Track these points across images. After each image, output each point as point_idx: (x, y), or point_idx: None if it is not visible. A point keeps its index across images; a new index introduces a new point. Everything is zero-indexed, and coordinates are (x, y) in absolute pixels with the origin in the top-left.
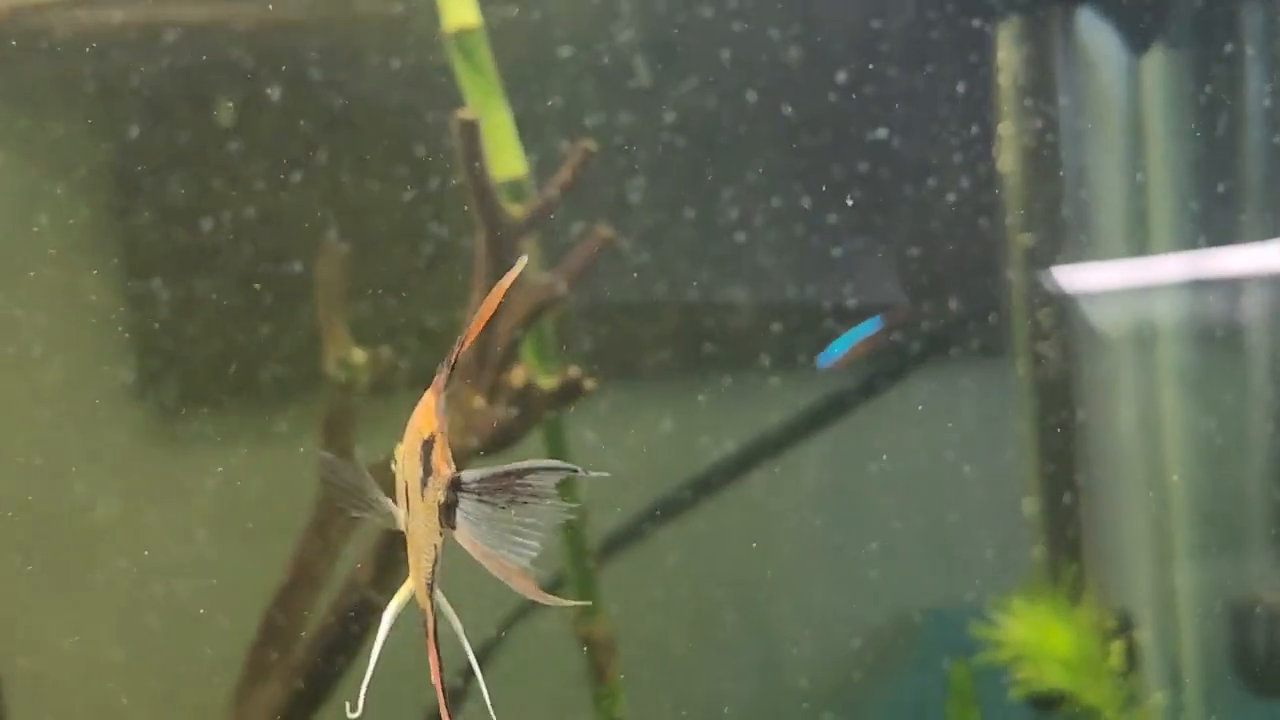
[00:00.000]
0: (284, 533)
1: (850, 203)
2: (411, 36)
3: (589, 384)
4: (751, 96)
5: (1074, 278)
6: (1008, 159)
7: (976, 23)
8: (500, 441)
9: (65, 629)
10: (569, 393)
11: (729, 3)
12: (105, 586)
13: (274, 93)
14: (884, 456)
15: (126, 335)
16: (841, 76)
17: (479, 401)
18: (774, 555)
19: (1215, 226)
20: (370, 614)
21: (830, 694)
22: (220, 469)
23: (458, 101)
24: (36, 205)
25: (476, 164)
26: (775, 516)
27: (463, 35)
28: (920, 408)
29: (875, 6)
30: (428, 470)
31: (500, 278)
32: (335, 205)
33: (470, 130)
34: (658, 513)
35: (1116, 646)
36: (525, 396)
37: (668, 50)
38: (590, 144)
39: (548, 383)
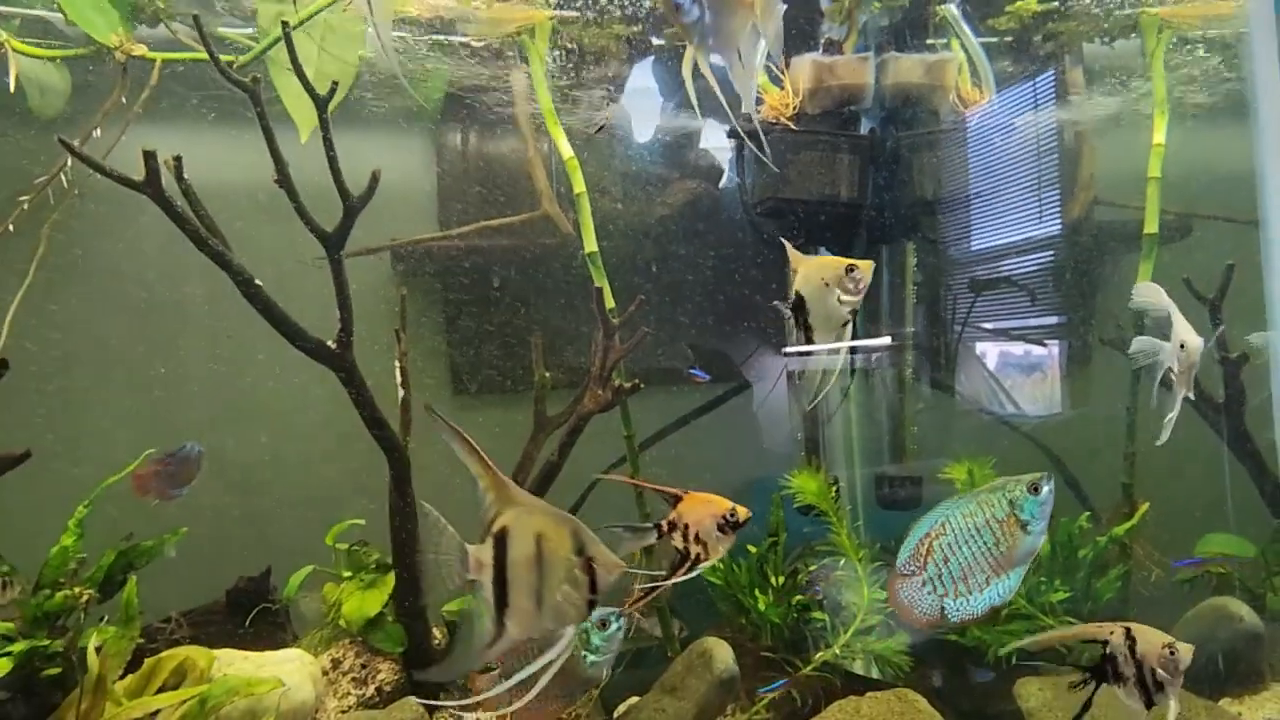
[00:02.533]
0: (519, 445)
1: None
2: (568, 249)
3: (640, 385)
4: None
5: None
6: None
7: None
8: (609, 406)
9: (426, 486)
10: (633, 388)
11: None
12: (439, 471)
13: (509, 269)
14: (737, 427)
15: (448, 360)
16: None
17: (601, 391)
18: (698, 457)
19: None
20: (553, 475)
21: None
22: (495, 424)
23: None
24: (417, 311)
25: (600, 304)
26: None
27: (592, 254)
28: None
29: (730, 236)
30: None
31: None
32: (535, 309)
33: (598, 292)
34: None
35: (831, 489)
36: (618, 389)
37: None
38: (642, 297)
39: (625, 384)
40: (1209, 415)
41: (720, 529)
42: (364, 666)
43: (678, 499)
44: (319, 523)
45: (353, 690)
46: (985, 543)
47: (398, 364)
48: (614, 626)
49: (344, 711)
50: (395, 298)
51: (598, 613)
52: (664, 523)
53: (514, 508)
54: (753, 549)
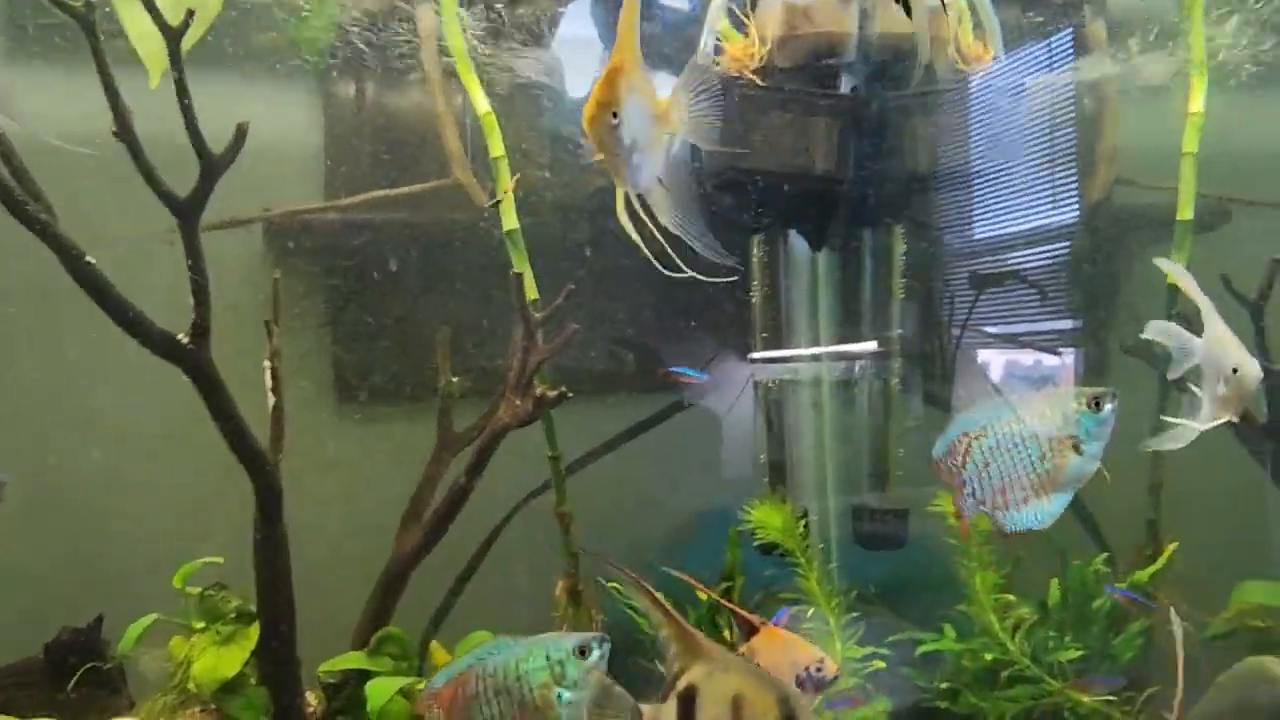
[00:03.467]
0: (418, 465)
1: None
2: (485, 229)
3: (568, 394)
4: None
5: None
6: (758, 301)
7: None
8: (529, 420)
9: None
10: (559, 398)
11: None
12: (321, 496)
13: (411, 249)
14: (694, 442)
15: (332, 360)
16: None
17: (519, 401)
18: (638, 482)
19: (836, 335)
20: (461, 503)
21: (670, 543)
22: (391, 441)
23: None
24: (295, 298)
25: (520, 294)
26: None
27: (511, 233)
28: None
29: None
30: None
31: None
32: (441, 299)
33: (518, 278)
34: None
35: (800, 523)
36: (540, 399)
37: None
38: (572, 285)
39: (549, 392)
40: (1250, 439)
41: (800, 684)
42: None
43: (752, 629)
44: (165, 561)
45: None
46: (1030, 455)
47: (268, 364)
48: (595, 654)
49: None
50: (266, 282)
51: (575, 638)
52: None
53: (704, 663)
54: (703, 595)
